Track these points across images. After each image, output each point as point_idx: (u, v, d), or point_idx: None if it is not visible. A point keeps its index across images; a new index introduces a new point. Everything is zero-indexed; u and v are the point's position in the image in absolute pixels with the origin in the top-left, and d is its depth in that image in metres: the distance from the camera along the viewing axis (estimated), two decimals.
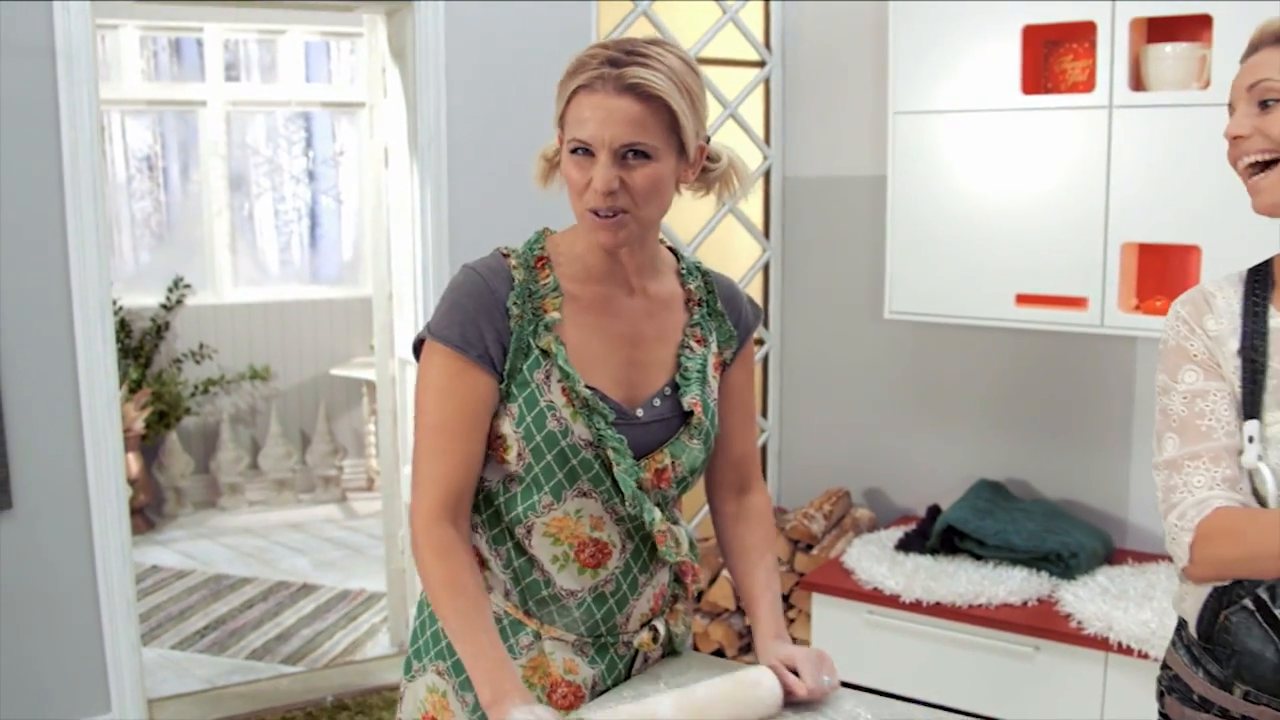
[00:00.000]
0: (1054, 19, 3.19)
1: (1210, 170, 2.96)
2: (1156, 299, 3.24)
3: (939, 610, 3.16)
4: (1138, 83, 3.16)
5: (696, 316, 1.72)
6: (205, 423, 6.23)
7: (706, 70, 3.72)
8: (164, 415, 5.78)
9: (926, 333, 3.71)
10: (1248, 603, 1.51)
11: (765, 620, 1.74)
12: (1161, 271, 3.27)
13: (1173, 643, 1.69)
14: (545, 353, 1.58)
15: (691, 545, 1.76)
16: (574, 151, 1.55)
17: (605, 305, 1.64)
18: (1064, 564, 3.23)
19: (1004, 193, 3.29)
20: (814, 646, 2.02)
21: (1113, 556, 3.41)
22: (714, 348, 1.73)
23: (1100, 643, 2.95)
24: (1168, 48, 3.10)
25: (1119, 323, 3.16)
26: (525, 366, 1.58)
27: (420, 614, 1.75)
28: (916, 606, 3.19)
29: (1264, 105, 1.51)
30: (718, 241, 3.94)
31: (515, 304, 1.59)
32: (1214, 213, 3.00)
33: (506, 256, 1.63)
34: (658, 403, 1.65)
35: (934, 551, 3.38)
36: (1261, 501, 1.50)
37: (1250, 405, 1.53)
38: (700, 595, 3.79)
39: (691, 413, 1.66)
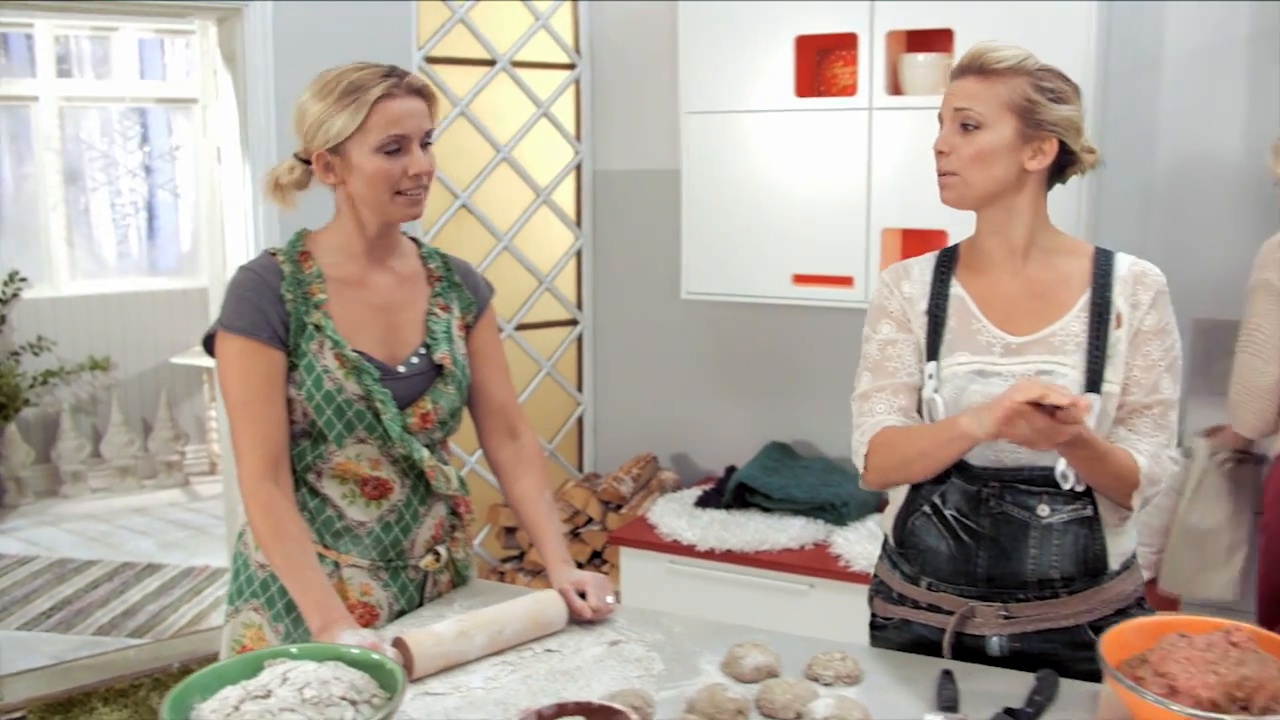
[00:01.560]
0: (822, 30, 3.59)
1: None
2: None
3: (730, 557, 3.56)
4: (895, 87, 3.59)
5: (438, 289, 2.08)
6: (45, 413, 6.31)
7: (522, 73, 4.09)
8: (3, 407, 5.86)
9: (720, 311, 4.11)
10: (926, 509, 1.91)
11: (552, 550, 2.10)
12: (919, 253, 3.70)
13: (879, 556, 2.11)
14: (317, 327, 1.92)
15: (461, 482, 2.11)
16: (387, 149, 1.89)
17: (363, 282, 1.99)
18: (837, 512, 3.66)
19: (782, 185, 3.67)
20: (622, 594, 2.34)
21: (881, 505, 3.84)
22: (457, 314, 2.09)
23: (864, 578, 3.37)
24: (920, 57, 3.54)
25: None
26: (303, 340, 1.92)
27: (235, 563, 2.07)
28: (710, 555, 3.57)
29: (965, 128, 1.89)
30: (533, 230, 4.27)
31: (288, 291, 1.93)
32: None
33: (274, 255, 1.98)
34: (415, 360, 2.01)
35: (728, 506, 3.78)
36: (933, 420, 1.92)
37: (931, 350, 1.93)
38: (522, 555, 4.14)
39: (442, 365, 2.00)
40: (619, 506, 4.03)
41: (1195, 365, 3.39)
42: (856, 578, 3.39)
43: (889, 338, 1.97)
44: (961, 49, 3.34)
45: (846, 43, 3.64)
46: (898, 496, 1.99)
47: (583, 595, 1.99)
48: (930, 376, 1.92)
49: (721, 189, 3.75)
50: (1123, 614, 1.91)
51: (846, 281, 3.62)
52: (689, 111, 3.77)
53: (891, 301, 2.00)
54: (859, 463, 1.95)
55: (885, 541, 2.08)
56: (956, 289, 1.96)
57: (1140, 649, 1.55)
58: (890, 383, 1.95)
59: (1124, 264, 1.92)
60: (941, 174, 1.93)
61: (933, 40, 3.55)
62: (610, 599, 2.01)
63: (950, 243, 3.37)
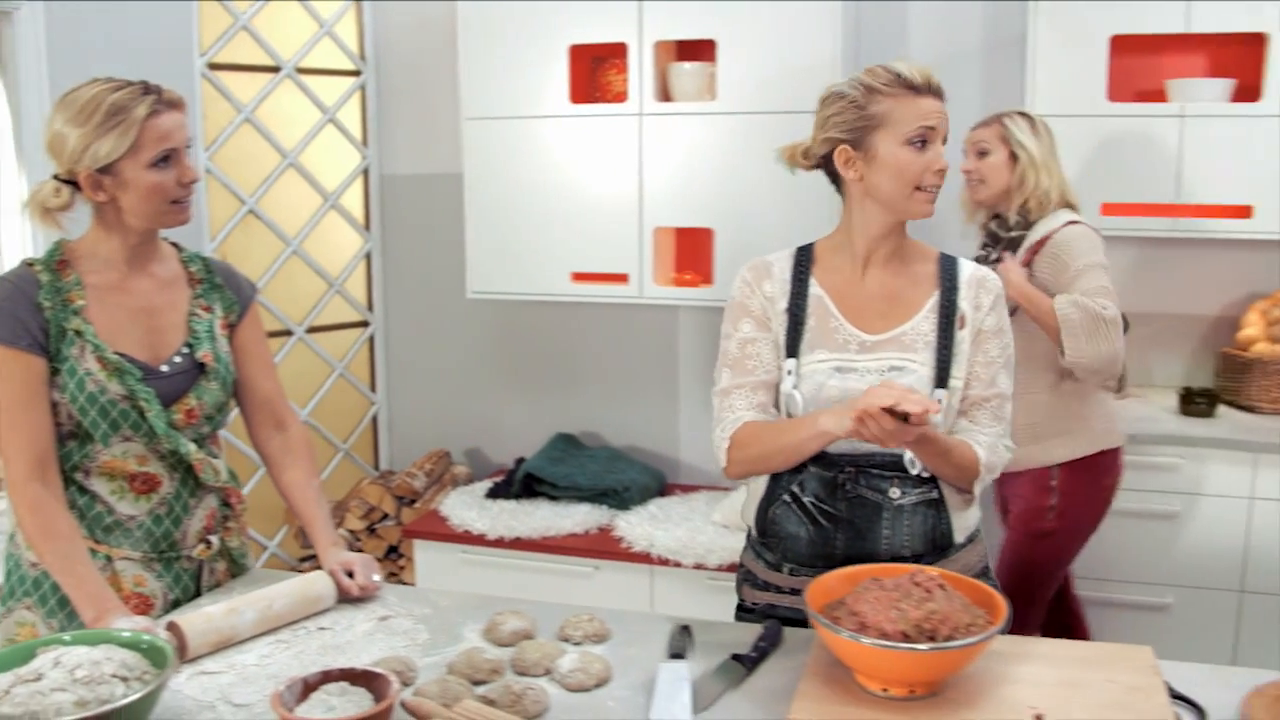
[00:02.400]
0: (594, 40, 3.77)
1: (720, 167, 3.67)
2: (686, 274, 3.92)
3: (518, 544, 3.71)
4: (665, 94, 3.80)
5: (199, 291, 2.17)
6: None
7: (308, 79, 4.15)
8: None
9: (505, 309, 4.27)
10: (786, 498, 2.04)
11: (321, 533, 2.21)
12: (691, 250, 3.94)
13: (744, 546, 2.22)
14: (78, 332, 1.99)
15: (232, 474, 2.20)
16: (161, 161, 1.99)
17: (124, 288, 2.07)
18: (620, 497, 3.86)
19: (560, 187, 3.84)
20: (419, 584, 2.43)
21: (664, 489, 4.08)
22: (219, 313, 2.18)
23: (644, 557, 3.58)
24: (686, 66, 3.76)
25: (655, 294, 3.80)
26: (64, 346, 1.99)
27: (7, 564, 2.12)
28: (500, 543, 3.72)
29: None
30: (322, 234, 4.34)
31: (45, 299, 1.99)
32: (723, 202, 3.69)
33: (31, 265, 2.03)
34: (178, 359, 2.09)
35: (517, 496, 3.94)
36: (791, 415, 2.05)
37: (791, 348, 2.05)
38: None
39: (205, 363, 2.10)
40: (413, 501, 4.13)
41: None
42: (638, 558, 3.59)
43: (749, 336, 2.06)
44: (725, 58, 3.61)
45: (619, 52, 3.83)
46: (757, 488, 2.10)
47: (351, 575, 2.11)
48: (789, 373, 2.02)
49: (503, 192, 3.90)
50: None
51: (622, 279, 3.82)
52: (469, 117, 3.90)
53: (753, 300, 2.08)
54: (721, 456, 2.05)
55: (749, 532, 2.19)
56: (815, 289, 2.06)
57: (841, 594, 1.76)
58: (750, 380, 2.05)
59: (967, 269, 2.08)
60: (936, 189, 2.02)
61: (701, 50, 3.77)
62: (377, 577, 2.14)
63: (716, 241, 3.68)
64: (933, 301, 2.03)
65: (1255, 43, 3.45)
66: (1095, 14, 3.48)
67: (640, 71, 3.72)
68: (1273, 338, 3.58)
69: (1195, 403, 3.54)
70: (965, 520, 2.08)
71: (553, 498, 3.93)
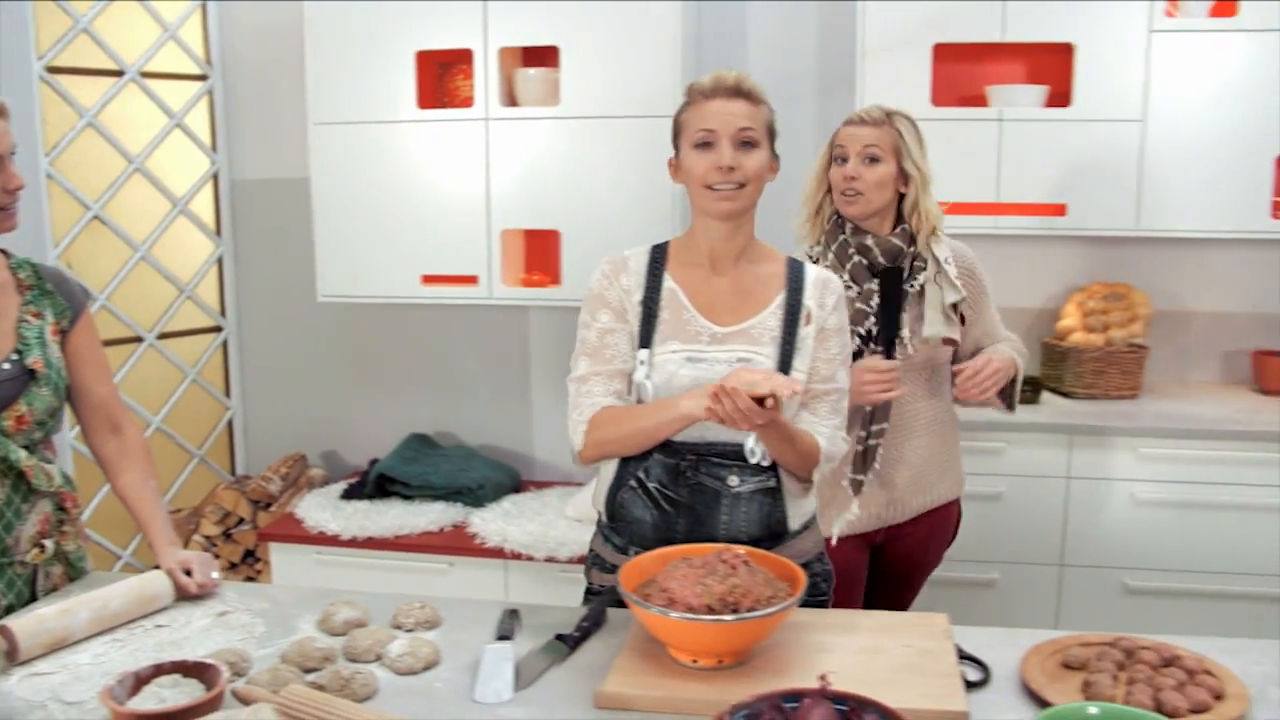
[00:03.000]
0: (440, 46, 3.82)
1: (566, 170, 3.76)
2: (535, 274, 4.00)
3: (372, 543, 3.75)
4: (512, 99, 3.88)
5: (29, 297, 2.18)
6: None
7: (153, 83, 4.12)
8: None
9: (357, 312, 4.30)
10: (632, 482, 2.13)
11: (159, 533, 2.24)
12: (540, 252, 4.03)
13: (594, 532, 2.30)
14: None
15: (66, 479, 2.22)
16: None
17: None
18: (473, 495, 3.92)
19: (408, 191, 3.88)
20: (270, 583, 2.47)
21: (519, 486, 4.16)
22: (50, 319, 2.20)
23: (498, 553, 3.65)
24: (531, 71, 3.84)
25: (505, 295, 3.87)
26: None
27: None
28: (354, 543, 3.75)
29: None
30: (172, 240, 4.30)
31: None
32: (569, 204, 3.78)
33: None
34: (7, 366, 2.11)
35: (370, 497, 3.98)
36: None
37: (644, 339, 2.15)
38: None
39: (35, 370, 2.12)
40: (269, 505, 4.14)
41: None
42: (492, 553, 3.66)
43: (607, 327, 2.16)
44: (567, 64, 3.69)
45: (465, 58, 3.89)
46: (607, 474, 2.18)
47: (190, 573, 2.15)
48: (642, 363, 2.12)
49: (352, 196, 3.92)
50: (805, 567, 2.14)
51: (472, 280, 3.88)
52: (317, 122, 3.91)
53: (611, 292, 2.18)
54: (577, 440, 2.14)
55: (599, 517, 2.27)
56: (669, 283, 2.17)
57: (655, 574, 1.87)
58: (607, 368, 2.15)
59: (813, 271, 2.20)
60: (727, 187, 2.10)
61: (547, 56, 3.85)
62: (215, 575, 2.18)
63: (563, 242, 3.77)
64: (780, 299, 2.15)
65: (1065, 52, 3.67)
66: (919, 23, 3.67)
67: (486, 77, 3.79)
68: (1088, 328, 3.81)
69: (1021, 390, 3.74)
70: (801, 508, 2.20)
71: (407, 497, 3.97)
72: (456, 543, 3.74)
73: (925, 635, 1.92)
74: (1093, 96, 3.64)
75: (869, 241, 2.65)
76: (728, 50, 4.05)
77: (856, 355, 2.55)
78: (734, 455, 2.09)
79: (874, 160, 2.64)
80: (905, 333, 2.65)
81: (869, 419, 2.64)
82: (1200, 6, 3.61)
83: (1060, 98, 3.70)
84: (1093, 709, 1.53)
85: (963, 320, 2.77)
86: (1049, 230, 3.75)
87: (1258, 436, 3.44)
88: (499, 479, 4.04)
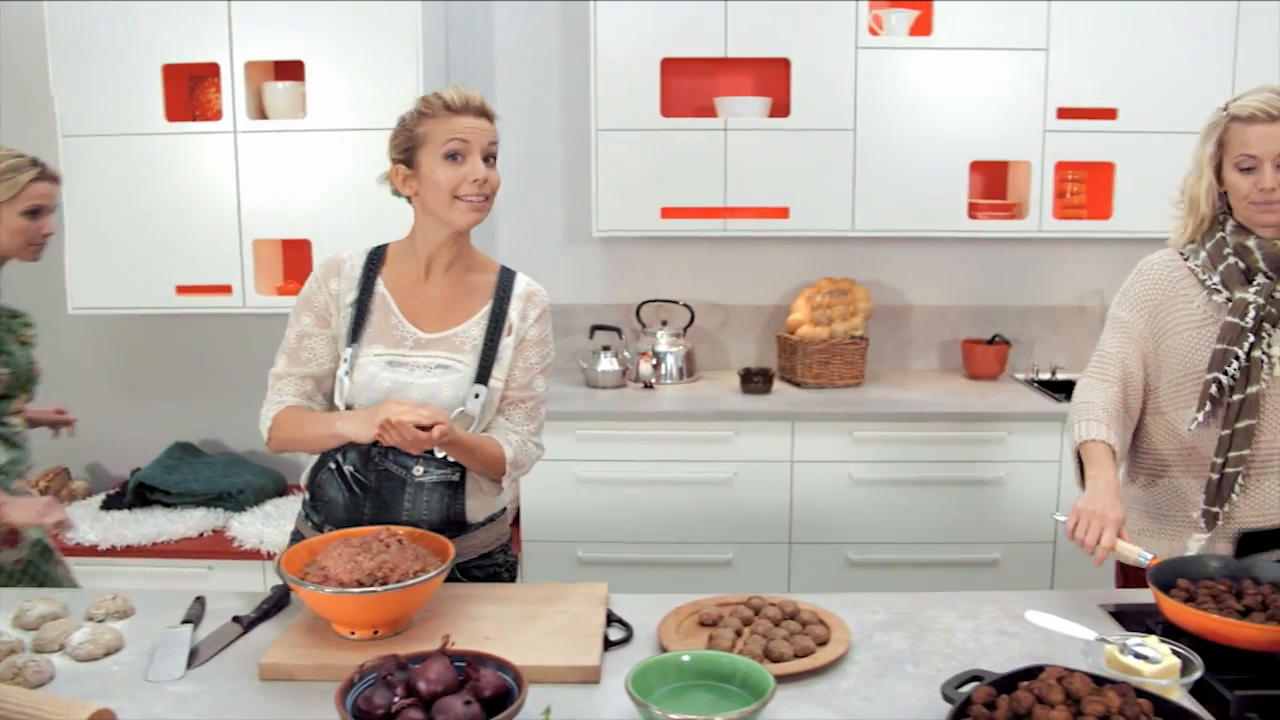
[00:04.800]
0: (187, 59, 3.89)
1: (315, 180, 3.87)
2: (291, 283, 4.10)
3: (129, 551, 3.80)
4: (262, 111, 3.97)
5: None
6: None
7: None
8: None
9: (114, 323, 4.34)
10: (330, 465, 2.26)
11: None
12: (296, 260, 4.13)
13: (299, 512, 2.42)
14: None
15: None
16: None
17: None
18: (235, 500, 4.01)
19: (160, 202, 3.94)
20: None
21: (284, 490, 4.26)
22: None
23: (256, 554, 3.75)
24: (280, 85, 3.94)
25: (259, 303, 3.97)
26: None
27: None
28: (111, 551, 3.80)
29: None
30: None
31: None
32: (319, 214, 3.89)
33: None
34: None
35: (130, 506, 4.02)
36: (348, 405, 2.25)
37: (353, 338, 2.26)
38: None
39: None
40: None
41: None
42: (250, 555, 3.76)
43: (307, 330, 2.28)
44: (313, 78, 3.81)
45: (215, 70, 3.97)
46: (313, 455, 2.31)
47: None
48: (345, 360, 2.23)
49: (104, 208, 3.96)
50: (487, 556, 2.36)
51: (226, 289, 3.96)
52: (67, 135, 3.94)
53: (317, 296, 2.28)
54: (264, 433, 2.28)
55: (305, 498, 2.38)
56: (381, 288, 2.27)
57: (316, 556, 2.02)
58: (301, 370, 2.27)
59: (521, 283, 2.33)
60: (478, 198, 2.23)
61: (294, 70, 3.96)
62: None
63: (315, 250, 3.88)
64: (486, 309, 2.29)
65: (783, 66, 3.95)
66: (647, 37, 3.90)
67: (233, 90, 3.88)
68: (814, 321, 4.09)
69: (753, 381, 4.01)
70: (488, 504, 2.36)
71: (168, 504, 4.03)
72: (216, 547, 3.81)
73: (583, 603, 2.11)
74: (809, 107, 3.93)
75: (1250, 243, 2.29)
76: (474, 62, 4.22)
77: (1225, 373, 2.30)
78: None
79: None
80: (1277, 350, 2.30)
81: (1226, 445, 2.32)
82: (900, 25, 3.93)
83: (781, 108, 3.98)
84: (685, 656, 1.75)
85: None
86: (774, 232, 4.02)
87: (957, 418, 3.77)
88: (261, 483, 4.12)
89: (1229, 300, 2.31)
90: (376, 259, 2.32)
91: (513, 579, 2.47)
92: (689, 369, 4.21)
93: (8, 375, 2.66)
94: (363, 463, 2.24)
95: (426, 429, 2.02)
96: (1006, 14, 3.88)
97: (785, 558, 3.85)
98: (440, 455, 2.23)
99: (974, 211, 4.02)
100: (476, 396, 2.24)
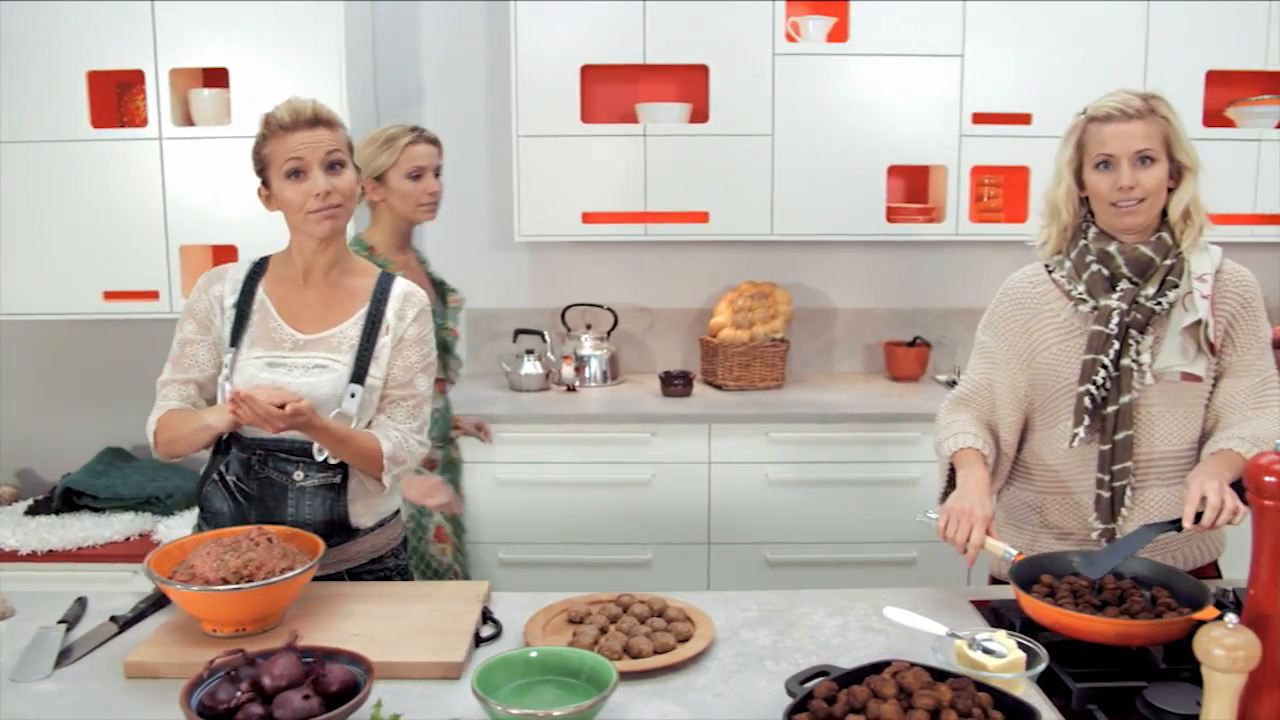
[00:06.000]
0: (112, 66, 3.90)
1: (241, 187, 3.84)
2: None
3: (53, 556, 3.80)
4: (189, 118, 4.00)
5: None
6: None
7: None
8: None
9: (42, 329, 4.36)
10: (215, 476, 2.30)
11: None
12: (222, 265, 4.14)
13: (194, 528, 2.44)
14: None
15: None
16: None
17: None
18: (163, 504, 4.03)
19: (87, 208, 3.95)
20: None
21: None
22: None
23: None
24: (205, 92, 3.97)
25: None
26: None
27: None
28: (34, 556, 3.80)
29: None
30: None
31: None
32: (246, 220, 3.90)
33: None
34: None
35: (58, 511, 4.04)
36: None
37: (233, 341, 2.30)
38: None
39: None
40: None
41: None
42: None
43: (189, 338, 2.33)
44: (237, 85, 3.84)
45: (142, 78, 3.99)
46: (202, 470, 2.35)
47: None
48: (226, 365, 2.29)
49: (30, 214, 3.97)
50: (378, 561, 2.40)
51: (153, 295, 3.98)
52: None
53: (200, 304, 2.34)
54: (150, 439, 2.32)
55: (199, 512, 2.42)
56: (261, 293, 2.33)
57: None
58: (184, 376, 2.33)
59: (400, 285, 2.39)
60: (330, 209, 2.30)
61: (218, 77, 3.99)
62: None
63: (240, 253, 3.91)
64: (363, 310, 2.34)
65: (702, 72, 4.00)
66: (567, 44, 3.95)
67: (158, 97, 3.90)
68: (737, 324, 4.15)
69: (673, 384, 4.06)
70: (375, 507, 2.39)
71: (96, 510, 4.05)
72: (143, 550, 3.82)
73: (461, 600, 2.15)
74: (727, 113, 3.98)
75: (1112, 248, 2.31)
76: (402, 66, 4.27)
77: (1096, 384, 2.31)
78: (302, 452, 2.28)
79: (1148, 160, 2.25)
80: (1145, 358, 2.31)
81: (1109, 459, 2.33)
82: (818, 32, 3.99)
83: (701, 114, 4.04)
84: (533, 653, 1.79)
85: (1213, 350, 2.31)
86: (695, 236, 4.07)
87: (872, 419, 3.83)
88: (189, 488, 4.14)
89: (1095, 309, 2.32)
90: (259, 268, 2.39)
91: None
92: (613, 372, 4.27)
93: None
94: (244, 471, 2.27)
95: (280, 407, 2.06)
96: (922, 21, 3.94)
97: (704, 558, 3.90)
98: (321, 458, 2.27)
99: (892, 215, 4.08)
100: (353, 395, 2.28)
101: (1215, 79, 4.03)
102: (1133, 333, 2.29)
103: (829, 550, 3.87)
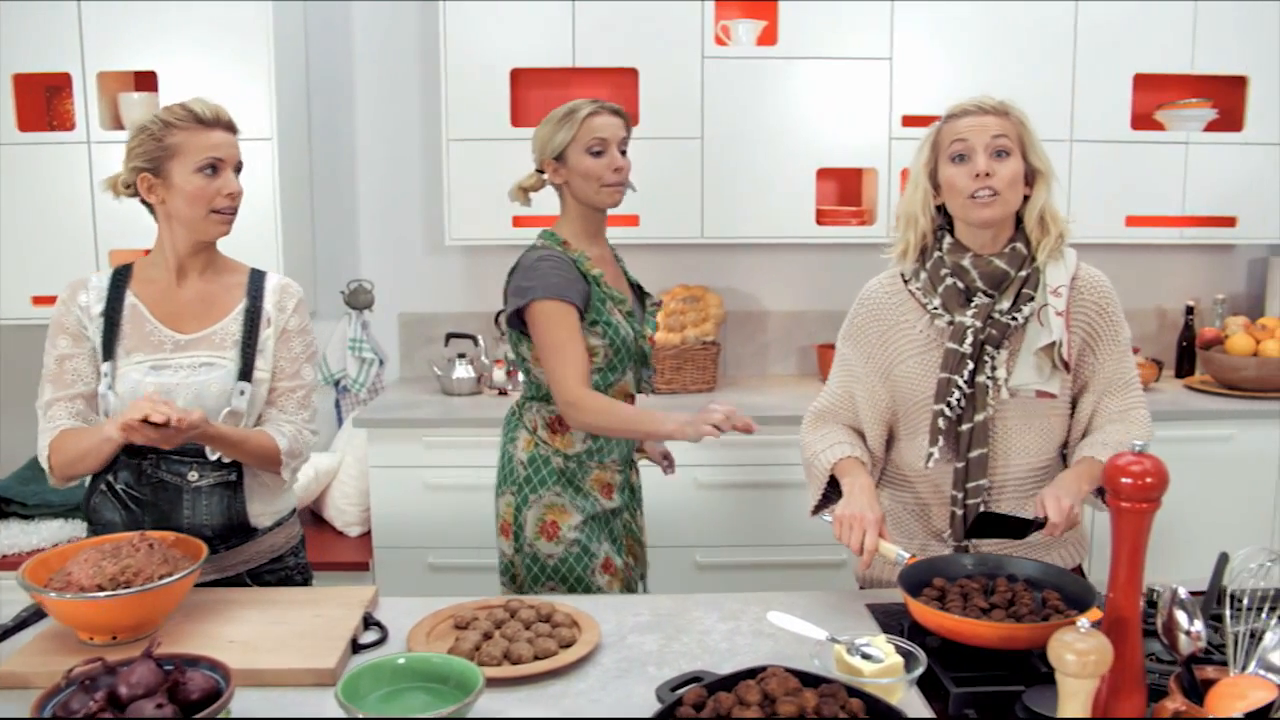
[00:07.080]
0: (38, 69, 3.89)
1: None
2: None
3: None
4: (119, 122, 3.98)
5: None
6: None
7: None
8: None
9: None
10: (103, 486, 2.28)
11: None
12: None
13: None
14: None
15: None
16: None
17: None
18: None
19: (15, 212, 3.94)
20: None
21: None
22: None
23: None
24: (134, 96, 3.95)
25: None
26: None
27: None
28: None
29: None
30: None
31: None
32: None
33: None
34: None
35: None
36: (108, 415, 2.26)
37: (108, 351, 2.27)
38: None
39: None
40: None
41: None
42: None
43: (66, 352, 2.28)
44: (165, 89, 3.82)
45: (70, 81, 3.97)
46: (86, 483, 2.31)
47: None
48: (105, 375, 2.26)
49: None
50: (278, 561, 2.40)
51: None
52: None
53: (67, 317, 2.30)
54: (44, 464, 2.26)
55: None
56: (131, 298, 2.31)
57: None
58: (68, 392, 2.27)
59: (273, 280, 2.40)
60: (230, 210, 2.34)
61: (151, 80, 3.97)
62: None
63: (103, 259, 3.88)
64: (241, 306, 2.35)
65: (632, 75, 4.00)
66: (496, 48, 3.94)
67: (86, 101, 3.89)
68: (668, 327, 4.15)
69: None
70: (273, 505, 2.40)
71: (25, 517, 4.02)
72: None
73: (342, 606, 2.14)
74: (658, 116, 3.98)
75: (966, 261, 2.28)
76: (334, 68, 4.26)
77: (950, 404, 2.29)
78: (195, 452, 2.27)
79: (1003, 154, 2.24)
80: (1001, 373, 2.29)
81: (963, 477, 2.31)
82: (747, 35, 4.00)
83: (632, 117, 4.02)
84: (400, 659, 1.79)
85: (1067, 368, 2.29)
86: (625, 239, 4.05)
87: (799, 421, 3.82)
88: None
89: (951, 324, 2.29)
90: (122, 275, 2.37)
91: (306, 582, 2.50)
92: None
93: None
94: (135, 478, 2.26)
95: (164, 425, 2.02)
96: (851, 24, 3.95)
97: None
98: (214, 457, 2.26)
99: (822, 218, 4.09)
100: (242, 393, 2.28)
101: (1143, 82, 4.06)
102: (988, 348, 2.27)
103: (759, 553, 3.87)
